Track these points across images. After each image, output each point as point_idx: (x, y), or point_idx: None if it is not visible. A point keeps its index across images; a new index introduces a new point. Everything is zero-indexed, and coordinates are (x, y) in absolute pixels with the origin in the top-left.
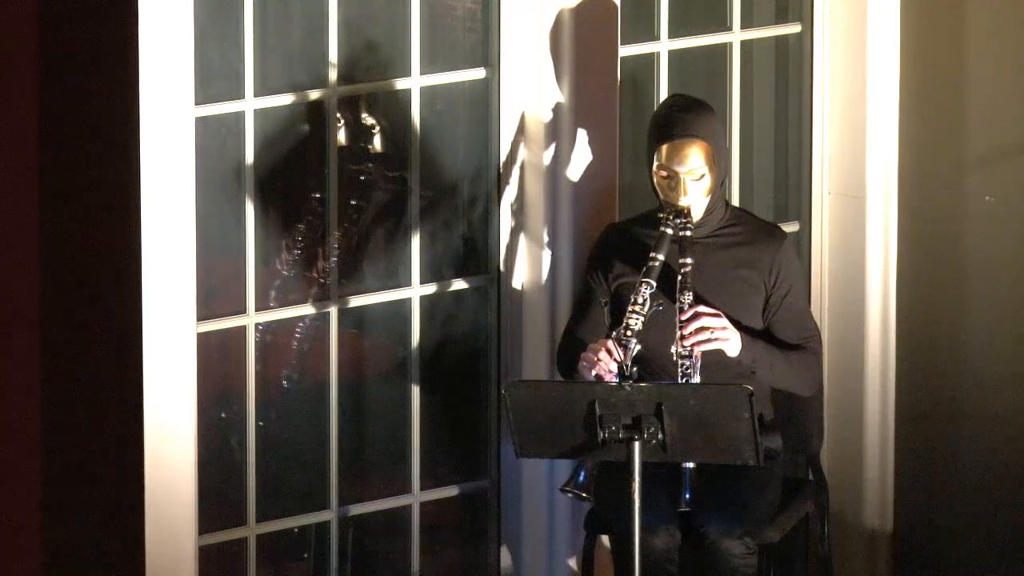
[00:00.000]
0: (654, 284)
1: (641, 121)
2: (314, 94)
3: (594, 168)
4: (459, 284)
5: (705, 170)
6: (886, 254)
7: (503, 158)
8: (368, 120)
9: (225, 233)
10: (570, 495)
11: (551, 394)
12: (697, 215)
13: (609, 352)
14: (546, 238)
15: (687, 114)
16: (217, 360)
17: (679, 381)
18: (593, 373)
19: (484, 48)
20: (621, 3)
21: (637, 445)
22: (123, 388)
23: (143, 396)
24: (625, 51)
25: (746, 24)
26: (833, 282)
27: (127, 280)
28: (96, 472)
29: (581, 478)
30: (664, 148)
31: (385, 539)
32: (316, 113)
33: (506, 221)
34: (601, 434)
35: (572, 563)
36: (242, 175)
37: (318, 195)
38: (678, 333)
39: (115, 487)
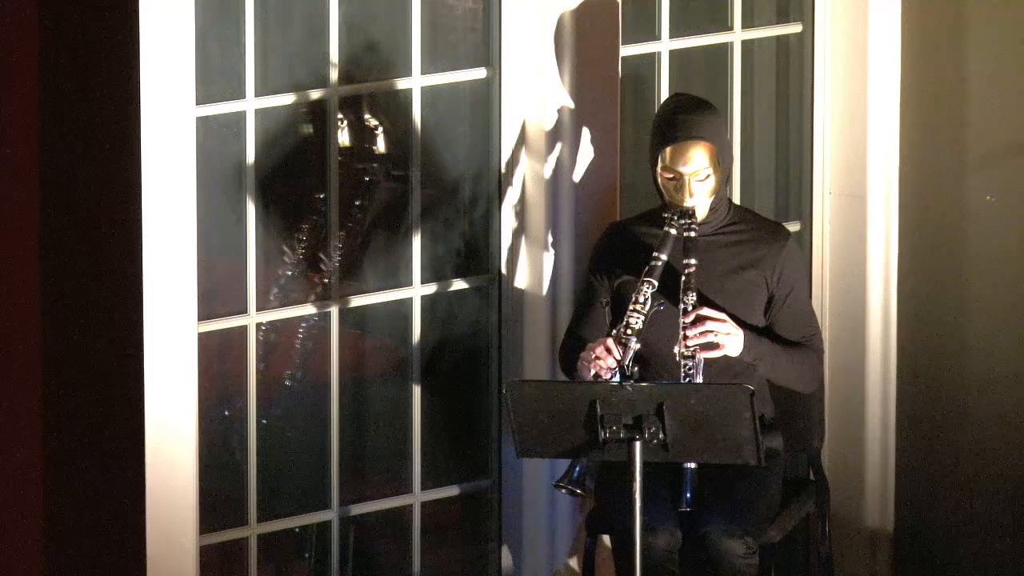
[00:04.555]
0: (656, 283)
1: (643, 121)
2: (315, 94)
3: (595, 168)
4: (460, 284)
5: (710, 171)
6: (887, 254)
7: (504, 158)
8: (369, 120)
9: (226, 233)
10: (564, 491)
11: (552, 394)
12: (701, 214)
13: (608, 350)
14: (547, 238)
15: (690, 115)
16: (218, 360)
17: (682, 381)
18: (591, 372)
19: (485, 48)
20: (622, 3)
21: (638, 445)
22: (124, 388)
23: (144, 396)
24: (626, 51)
25: (747, 24)
26: (834, 282)
27: (128, 280)
28: (97, 472)
29: (576, 474)
30: (668, 150)
31: (386, 539)
32: (317, 113)
33: (507, 221)
34: (602, 434)
35: (573, 563)
36: (243, 175)
37: (319, 195)
38: (681, 333)
39: (116, 487)
